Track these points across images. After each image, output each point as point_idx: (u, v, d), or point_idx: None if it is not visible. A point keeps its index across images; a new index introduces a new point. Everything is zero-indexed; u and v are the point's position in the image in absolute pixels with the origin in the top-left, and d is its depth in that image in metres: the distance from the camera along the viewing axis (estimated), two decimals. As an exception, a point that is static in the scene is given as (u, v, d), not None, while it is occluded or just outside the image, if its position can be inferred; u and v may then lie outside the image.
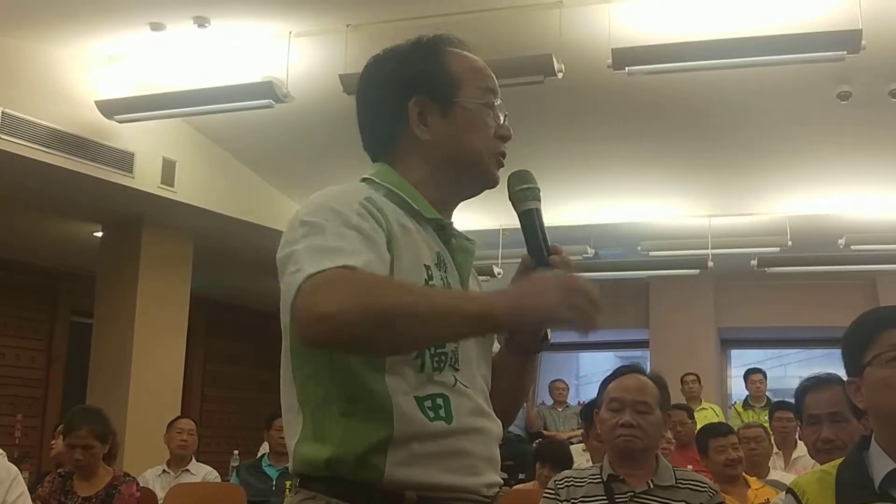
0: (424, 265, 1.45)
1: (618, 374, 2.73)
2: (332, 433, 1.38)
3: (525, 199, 1.55)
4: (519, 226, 1.56)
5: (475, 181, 1.58)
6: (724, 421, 8.36)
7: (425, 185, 1.54)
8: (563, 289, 1.32)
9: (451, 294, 1.43)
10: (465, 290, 1.50)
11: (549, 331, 1.57)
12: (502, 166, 1.59)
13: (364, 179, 1.56)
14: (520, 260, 1.58)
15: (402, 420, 1.37)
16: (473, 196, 1.60)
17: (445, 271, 1.50)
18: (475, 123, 1.56)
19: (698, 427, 6.77)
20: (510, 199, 1.55)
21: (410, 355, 1.39)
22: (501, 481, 1.52)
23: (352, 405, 1.38)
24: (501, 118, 1.59)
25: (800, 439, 5.48)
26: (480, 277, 1.70)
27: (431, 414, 1.39)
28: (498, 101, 1.59)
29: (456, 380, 1.44)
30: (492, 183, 1.58)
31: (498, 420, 1.53)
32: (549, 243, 1.53)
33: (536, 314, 1.32)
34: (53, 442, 4.36)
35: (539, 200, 1.55)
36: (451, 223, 1.57)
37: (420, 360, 1.41)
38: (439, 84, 1.55)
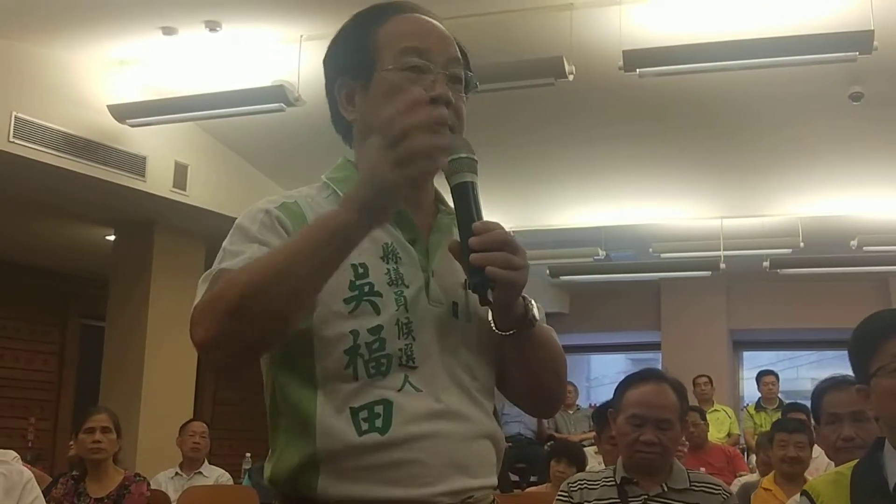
0: (354, 264, 1.33)
1: (637, 379, 2.66)
2: (275, 451, 1.38)
3: (459, 169, 1.33)
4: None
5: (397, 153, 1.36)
6: (735, 422, 8.38)
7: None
8: (385, 149, 1.21)
9: (295, 235, 1.30)
10: (312, 221, 1.32)
11: (533, 307, 1.39)
12: (437, 133, 1.27)
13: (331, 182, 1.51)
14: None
15: (326, 436, 1.31)
16: (426, 175, 1.34)
17: (397, 262, 1.38)
18: (391, 89, 1.39)
19: (710, 429, 6.77)
20: (442, 170, 1.33)
21: (341, 366, 1.32)
22: (486, 484, 1.40)
23: (287, 422, 1.37)
24: (433, 78, 1.40)
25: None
26: None
27: (365, 426, 1.31)
28: (424, 62, 1.40)
29: (406, 382, 1.33)
30: (417, 153, 1.30)
31: (481, 416, 1.39)
32: (477, 221, 1.32)
33: (377, 192, 1.22)
34: (71, 443, 4.37)
35: (475, 173, 1.33)
36: (404, 210, 1.39)
37: (352, 369, 1.32)
38: (358, 59, 1.44)
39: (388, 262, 1.38)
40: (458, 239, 1.35)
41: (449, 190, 1.37)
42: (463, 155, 1.33)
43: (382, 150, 1.22)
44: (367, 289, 1.35)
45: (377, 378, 1.33)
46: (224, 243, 1.40)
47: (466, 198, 1.33)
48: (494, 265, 1.29)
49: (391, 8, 1.48)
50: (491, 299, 1.32)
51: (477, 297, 1.34)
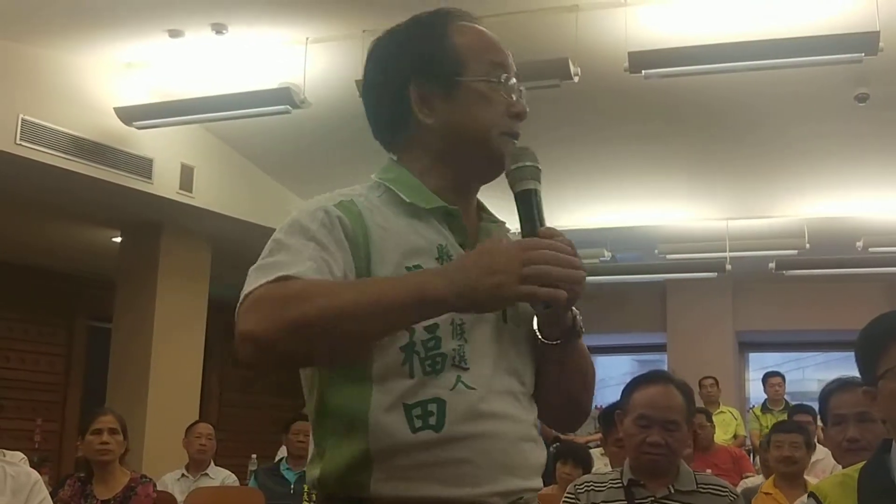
0: (410, 266, 1.36)
1: (645, 381, 2.66)
2: (322, 452, 1.37)
3: (523, 178, 1.38)
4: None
5: (485, 163, 1.44)
6: (741, 423, 8.37)
7: (431, 172, 1.44)
8: (520, 261, 1.23)
9: (383, 282, 1.31)
10: (405, 275, 1.34)
11: (578, 317, 1.43)
12: (510, 145, 1.44)
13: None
14: None
15: (380, 434, 1.31)
16: (490, 180, 1.47)
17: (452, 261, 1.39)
18: (482, 99, 1.44)
19: (716, 431, 6.76)
20: (507, 177, 1.40)
21: (397, 362, 1.33)
22: (534, 486, 1.42)
23: (335, 422, 1.35)
24: (514, 95, 1.46)
25: (819, 443, 5.46)
26: None
27: (418, 423, 1.31)
28: (508, 77, 1.46)
29: (458, 381, 1.34)
30: (497, 161, 1.43)
31: (527, 418, 1.42)
32: (542, 228, 1.36)
33: (490, 294, 1.23)
34: (79, 444, 4.38)
35: (539, 181, 1.38)
36: (458, 210, 1.44)
37: (408, 366, 1.33)
38: (440, 64, 1.44)
39: (442, 264, 1.39)
40: None
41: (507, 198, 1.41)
42: (528, 163, 1.38)
43: (517, 259, 1.24)
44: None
45: (431, 376, 1.34)
46: (277, 235, 1.37)
47: (530, 204, 1.37)
48: (555, 263, 1.30)
49: (453, 15, 1.50)
50: (550, 306, 1.33)
51: (525, 303, 1.37)
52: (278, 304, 1.24)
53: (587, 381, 1.51)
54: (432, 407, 1.32)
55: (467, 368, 1.35)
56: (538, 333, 1.44)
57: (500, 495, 1.34)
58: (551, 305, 1.29)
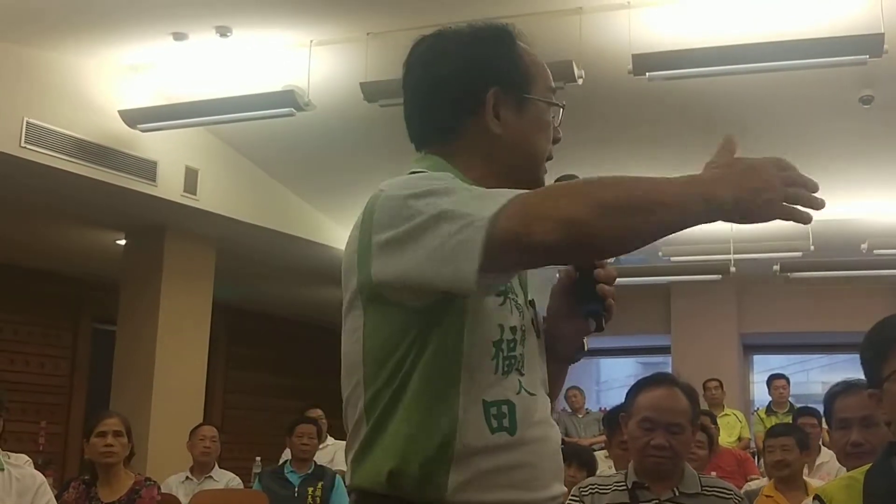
0: None
1: (649, 383, 2.65)
2: (393, 443, 1.30)
3: None
4: None
5: (527, 181, 1.45)
6: (746, 426, 8.36)
7: (485, 180, 1.42)
8: (782, 180, 1.29)
9: (667, 180, 1.29)
10: (680, 178, 1.32)
11: (585, 340, 1.53)
12: (545, 172, 1.52)
13: (414, 173, 1.42)
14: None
15: (466, 430, 1.29)
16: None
17: None
18: (543, 122, 1.49)
19: (721, 433, 6.76)
20: None
21: (488, 356, 1.33)
22: (565, 490, 1.47)
23: (408, 415, 1.30)
24: (558, 120, 1.53)
25: (824, 445, 5.46)
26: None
27: (495, 423, 1.31)
28: (559, 105, 1.52)
29: (521, 385, 1.36)
30: (539, 185, 1.47)
31: (556, 427, 1.46)
32: None
33: (763, 209, 1.27)
34: (84, 445, 4.38)
35: None
36: None
37: (496, 362, 1.33)
38: (515, 76, 1.47)
39: None
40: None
41: None
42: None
43: (778, 178, 1.30)
44: (507, 286, 1.38)
45: (504, 377, 1.35)
46: (428, 186, 1.30)
47: None
48: (611, 297, 1.42)
49: (516, 33, 1.53)
50: (604, 327, 1.44)
51: (538, 317, 1.46)
52: (577, 191, 1.22)
53: (556, 396, 1.58)
54: (505, 408, 1.33)
55: (524, 374, 1.38)
56: (552, 351, 1.50)
57: (552, 499, 1.39)
58: (603, 327, 1.42)
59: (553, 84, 1.53)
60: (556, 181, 1.43)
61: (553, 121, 1.51)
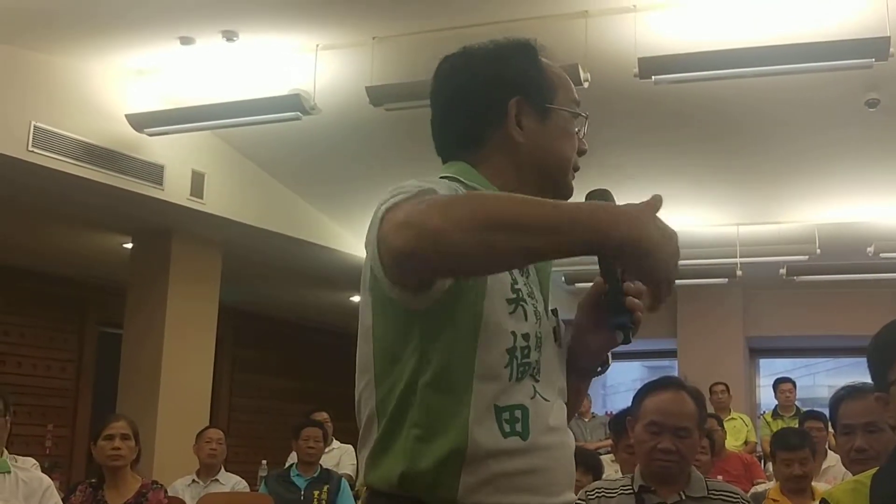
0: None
1: (656, 387, 2.65)
2: (394, 445, 1.32)
3: None
4: None
5: (555, 190, 1.50)
6: (752, 430, 8.34)
7: (509, 188, 1.45)
8: (674, 249, 1.26)
9: (553, 204, 1.27)
10: (585, 205, 1.34)
11: (609, 355, 1.55)
12: (573, 179, 1.56)
13: (445, 178, 1.45)
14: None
15: (477, 434, 1.30)
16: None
17: (528, 277, 1.43)
18: (567, 131, 1.52)
19: (727, 437, 6.75)
20: None
21: (501, 363, 1.33)
22: (575, 498, 1.48)
23: (420, 418, 1.31)
24: (582, 133, 1.56)
25: (830, 449, 5.44)
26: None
27: (507, 428, 1.32)
28: (583, 116, 1.55)
29: (535, 391, 1.38)
30: (568, 194, 1.53)
31: (571, 434, 1.47)
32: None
33: (663, 264, 1.24)
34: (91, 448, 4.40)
35: None
36: None
37: (509, 369, 1.34)
38: (540, 87, 1.50)
39: (523, 276, 1.42)
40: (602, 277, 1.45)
41: None
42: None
43: (677, 252, 1.27)
44: (519, 294, 1.39)
45: (518, 383, 1.36)
46: (397, 188, 1.31)
47: None
48: (640, 311, 1.42)
49: (539, 46, 1.55)
50: (631, 339, 1.44)
51: (557, 326, 1.48)
52: (446, 208, 1.19)
53: (575, 408, 1.59)
54: (518, 413, 1.34)
55: (539, 380, 1.39)
56: (574, 364, 1.52)
57: None
58: (630, 340, 1.43)
59: (577, 96, 1.55)
60: (587, 196, 1.45)
61: (578, 133, 1.54)
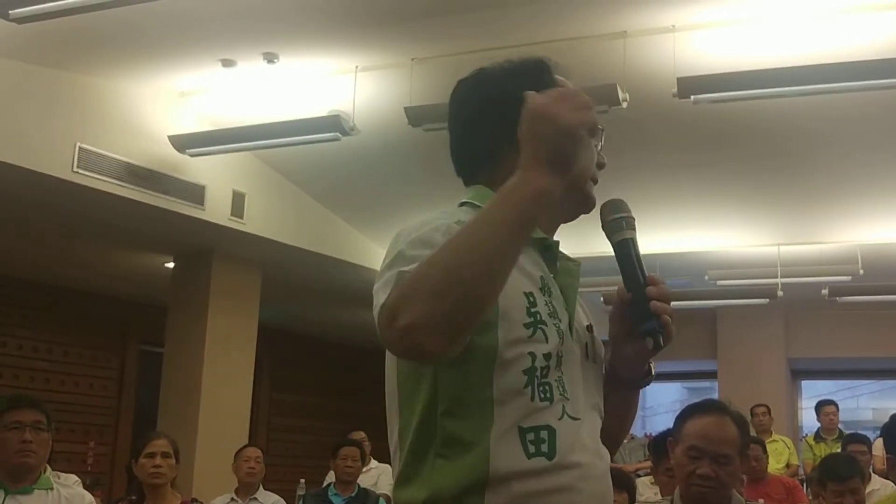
0: (525, 293, 1.39)
1: (699, 410, 2.59)
2: (420, 472, 1.34)
3: (620, 228, 1.48)
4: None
5: (576, 204, 1.51)
6: (794, 452, 8.21)
7: None
8: (560, 99, 1.29)
9: (482, 210, 1.30)
10: (498, 201, 1.31)
11: (651, 364, 1.53)
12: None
13: (463, 204, 1.48)
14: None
15: (499, 457, 1.31)
16: (570, 221, 1.55)
17: (550, 296, 1.43)
18: (583, 146, 1.53)
19: (769, 460, 6.65)
20: (604, 229, 1.49)
21: (519, 385, 1.34)
22: None
23: (444, 443, 1.33)
24: (599, 146, 1.56)
25: (874, 472, 5.35)
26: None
27: (532, 449, 1.33)
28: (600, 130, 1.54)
29: (564, 411, 1.38)
30: (590, 207, 1.53)
31: (607, 453, 1.46)
32: (646, 273, 1.46)
33: (564, 135, 1.27)
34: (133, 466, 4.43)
35: (634, 230, 1.49)
36: (557, 243, 1.51)
37: (529, 390, 1.35)
38: None
39: (545, 295, 1.42)
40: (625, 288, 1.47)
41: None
42: (624, 214, 1.49)
43: (557, 101, 1.29)
44: (538, 317, 1.39)
45: (543, 403, 1.36)
46: (401, 248, 1.35)
47: (629, 252, 1.47)
48: (667, 314, 1.42)
49: (553, 64, 1.58)
50: (662, 345, 1.43)
51: (592, 342, 1.49)
52: (410, 290, 1.22)
53: (628, 423, 1.60)
54: (544, 434, 1.34)
55: (568, 399, 1.39)
56: (617, 378, 1.52)
57: None
58: (661, 345, 1.42)
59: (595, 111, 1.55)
60: (602, 206, 1.47)
61: (595, 147, 1.53)
